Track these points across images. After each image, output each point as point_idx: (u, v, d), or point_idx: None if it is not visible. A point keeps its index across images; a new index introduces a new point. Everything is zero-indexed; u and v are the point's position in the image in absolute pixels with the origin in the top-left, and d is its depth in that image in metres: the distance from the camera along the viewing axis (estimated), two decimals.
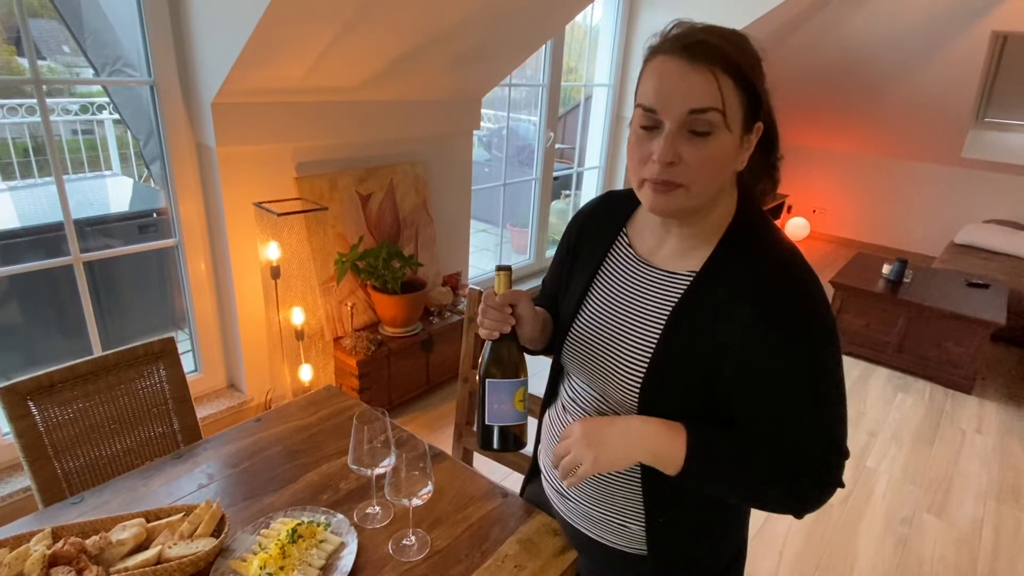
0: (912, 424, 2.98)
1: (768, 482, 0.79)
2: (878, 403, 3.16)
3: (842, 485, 0.80)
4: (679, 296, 0.84)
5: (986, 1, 4.07)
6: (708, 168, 0.76)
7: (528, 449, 1.23)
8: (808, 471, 0.78)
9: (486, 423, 0.89)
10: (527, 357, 0.96)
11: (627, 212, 0.98)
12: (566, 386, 1.02)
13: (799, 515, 0.81)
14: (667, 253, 0.89)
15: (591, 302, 0.95)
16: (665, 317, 0.84)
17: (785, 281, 0.78)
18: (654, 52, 0.78)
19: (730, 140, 0.76)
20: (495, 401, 0.88)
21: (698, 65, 0.73)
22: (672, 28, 0.77)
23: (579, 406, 0.97)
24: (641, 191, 0.81)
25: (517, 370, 0.90)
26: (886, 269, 3.67)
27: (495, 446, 0.89)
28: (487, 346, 0.91)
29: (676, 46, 0.75)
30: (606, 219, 1.00)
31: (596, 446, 0.81)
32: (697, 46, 0.73)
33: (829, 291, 3.66)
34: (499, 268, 0.91)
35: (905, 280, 3.62)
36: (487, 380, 0.89)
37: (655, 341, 0.84)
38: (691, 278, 0.84)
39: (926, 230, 5.39)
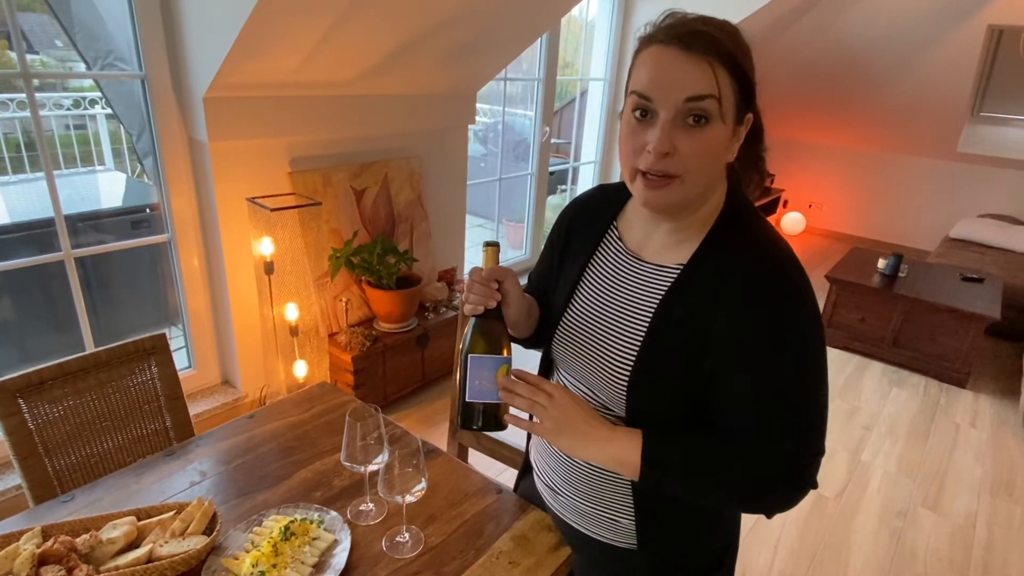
0: (907, 418, 2.99)
1: (731, 487, 0.79)
2: (873, 397, 3.17)
3: (815, 486, 0.79)
4: (666, 289, 0.84)
5: None
6: (703, 158, 0.75)
7: (521, 445, 1.23)
8: (776, 470, 0.77)
9: (466, 400, 0.86)
10: (513, 347, 0.93)
11: (618, 205, 0.97)
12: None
13: (768, 515, 0.81)
14: (656, 247, 0.88)
15: (581, 295, 0.95)
16: (652, 310, 0.84)
17: (771, 275, 0.78)
18: (648, 41, 0.76)
19: (724, 131, 0.76)
20: (477, 377, 0.85)
21: (694, 54, 0.72)
22: (665, 18, 0.76)
23: None
24: (634, 184, 0.80)
25: (501, 347, 0.87)
26: (881, 263, 3.67)
27: (474, 425, 0.86)
28: (471, 322, 0.88)
29: (671, 35, 0.73)
30: (597, 212, 0.99)
31: (563, 425, 0.82)
32: (693, 36, 0.72)
33: (825, 286, 3.66)
34: (487, 243, 0.89)
35: (900, 274, 3.62)
36: (469, 356, 0.86)
37: (642, 335, 0.84)
38: (679, 271, 0.84)
39: (921, 225, 5.39)
